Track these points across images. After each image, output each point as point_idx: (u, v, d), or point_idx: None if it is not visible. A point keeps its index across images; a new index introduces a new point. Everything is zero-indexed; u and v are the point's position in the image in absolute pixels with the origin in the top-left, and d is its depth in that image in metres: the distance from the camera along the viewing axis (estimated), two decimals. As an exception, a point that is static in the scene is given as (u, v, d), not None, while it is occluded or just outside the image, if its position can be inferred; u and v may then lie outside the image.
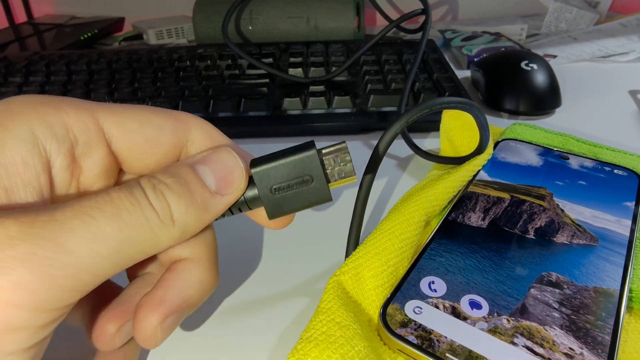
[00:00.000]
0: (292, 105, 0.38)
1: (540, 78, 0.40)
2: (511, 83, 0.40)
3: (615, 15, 0.66)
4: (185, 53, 0.47)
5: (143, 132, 0.17)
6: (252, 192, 0.18)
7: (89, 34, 0.64)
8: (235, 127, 0.37)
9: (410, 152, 0.35)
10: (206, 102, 0.38)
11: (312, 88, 0.40)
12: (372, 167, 0.23)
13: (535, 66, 0.40)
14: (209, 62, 0.45)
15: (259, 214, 0.19)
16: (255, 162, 0.17)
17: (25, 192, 0.14)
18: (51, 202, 0.16)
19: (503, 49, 0.53)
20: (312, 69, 0.43)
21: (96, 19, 0.72)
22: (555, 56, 0.54)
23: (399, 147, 0.35)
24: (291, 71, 0.43)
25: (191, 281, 0.17)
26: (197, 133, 0.18)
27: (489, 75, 0.42)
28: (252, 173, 0.17)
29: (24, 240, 0.12)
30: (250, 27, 0.55)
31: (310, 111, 0.38)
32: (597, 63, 0.52)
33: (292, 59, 0.46)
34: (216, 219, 0.18)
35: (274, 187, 0.17)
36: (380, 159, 0.23)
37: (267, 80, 0.42)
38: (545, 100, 0.40)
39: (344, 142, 0.18)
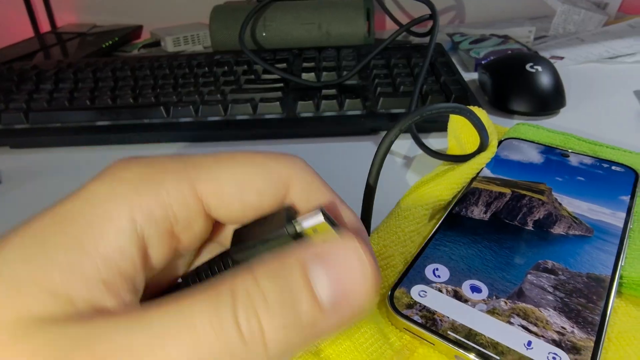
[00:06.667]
0: (305, 108, 0.41)
1: (544, 80, 0.41)
2: (516, 85, 0.42)
3: (624, 17, 0.67)
4: (204, 60, 0.50)
5: (241, 198, 0.17)
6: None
7: (110, 42, 0.68)
8: (252, 129, 0.40)
9: (415, 151, 0.36)
10: (225, 106, 0.41)
11: (325, 91, 0.42)
12: (376, 168, 0.26)
13: (539, 68, 0.42)
14: (226, 68, 0.48)
15: None
16: (237, 250, 0.17)
17: (121, 281, 0.14)
18: (143, 272, 0.15)
19: (510, 51, 0.54)
20: (324, 73, 0.45)
21: (116, 27, 0.75)
22: (562, 58, 0.55)
23: (406, 145, 0.37)
24: (304, 76, 0.45)
25: None
26: (297, 188, 0.17)
27: (495, 78, 0.44)
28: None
29: None
30: (265, 34, 0.57)
31: (322, 114, 0.40)
32: (603, 64, 0.53)
33: (305, 64, 0.48)
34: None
35: None
36: (380, 165, 0.26)
37: (282, 84, 0.44)
38: (550, 101, 0.41)
39: (319, 212, 0.15)
